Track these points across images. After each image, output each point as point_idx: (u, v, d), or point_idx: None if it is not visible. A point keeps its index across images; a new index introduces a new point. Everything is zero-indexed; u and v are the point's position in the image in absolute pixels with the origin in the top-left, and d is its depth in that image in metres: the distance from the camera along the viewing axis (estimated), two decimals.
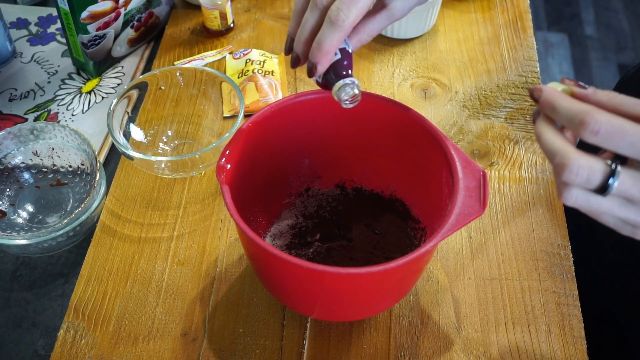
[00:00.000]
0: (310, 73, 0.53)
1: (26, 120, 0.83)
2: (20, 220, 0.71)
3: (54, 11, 0.98)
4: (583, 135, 0.39)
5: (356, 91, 0.53)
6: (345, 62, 0.53)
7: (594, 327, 0.64)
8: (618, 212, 0.40)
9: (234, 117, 0.75)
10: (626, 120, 0.38)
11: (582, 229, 0.75)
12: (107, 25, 0.84)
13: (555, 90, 0.42)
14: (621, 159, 0.40)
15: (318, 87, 0.57)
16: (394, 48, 0.90)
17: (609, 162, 0.39)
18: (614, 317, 0.75)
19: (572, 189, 0.40)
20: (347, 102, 0.53)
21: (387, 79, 0.86)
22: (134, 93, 0.76)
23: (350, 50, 0.54)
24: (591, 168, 0.39)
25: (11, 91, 0.87)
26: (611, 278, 0.75)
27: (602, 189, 0.39)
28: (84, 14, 0.80)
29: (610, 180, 0.39)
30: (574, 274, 0.65)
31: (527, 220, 0.70)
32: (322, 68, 0.52)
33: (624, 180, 0.39)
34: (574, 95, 0.42)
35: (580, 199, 0.40)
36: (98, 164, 0.69)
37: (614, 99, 0.40)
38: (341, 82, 0.53)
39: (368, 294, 0.55)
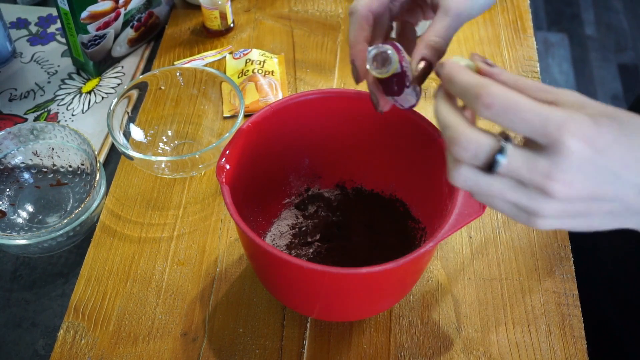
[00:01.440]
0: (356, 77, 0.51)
1: (26, 120, 0.83)
2: (20, 220, 0.71)
3: (54, 11, 0.98)
4: (477, 109, 0.37)
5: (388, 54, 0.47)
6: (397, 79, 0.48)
7: (592, 332, 0.64)
8: (509, 196, 0.38)
9: (234, 117, 0.75)
10: (522, 96, 0.37)
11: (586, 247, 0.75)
12: (107, 25, 0.84)
13: (457, 64, 0.40)
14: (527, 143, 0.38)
15: (317, 88, 0.57)
16: None
17: (500, 138, 0.37)
18: (612, 324, 0.75)
19: (461, 168, 0.39)
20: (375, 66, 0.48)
21: None
22: (134, 93, 0.76)
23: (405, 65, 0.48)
24: (479, 142, 0.37)
25: (11, 91, 0.87)
26: (610, 288, 0.75)
27: (490, 166, 0.37)
28: (84, 14, 0.80)
29: (498, 156, 0.37)
30: (574, 274, 0.65)
31: None
32: (357, 63, 0.50)
33: (513, 157, 0.37)
34: (479, 72, 0.40)
35: (470, 179, 0.39)
36: (98, 164, 0.69)
37: (519, 81, 0.38)
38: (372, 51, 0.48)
39: (368, 294, 0.55)
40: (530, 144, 0.37)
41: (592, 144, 0.36)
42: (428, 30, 0.48)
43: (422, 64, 0.46)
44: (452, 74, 0.39)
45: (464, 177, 0.39)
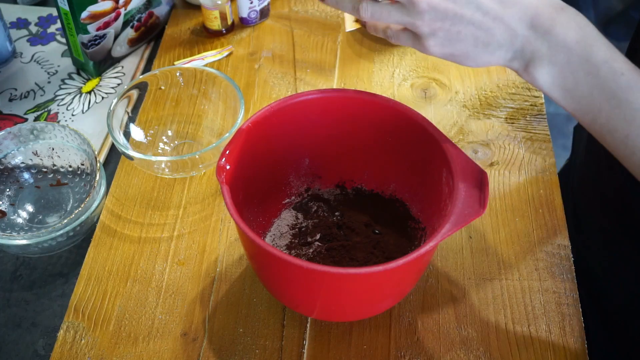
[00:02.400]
0: None
1: (26, 120, 0.83)
2: (20, 220, 0.71)
3: (54, 11, 0.98)
4: None
5: None
6: None
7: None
8: (394, 15, 0.51)
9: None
10: None
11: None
12: (107, 25, 0.84)
13: None
14: None
15: (317, 88, 0.57)
16: (394, 48, 0.90)
17: None
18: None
19: (361, 4, 0.52)
20: None
21: (387, 79, 0.86)
22: (134, 93, 0.76)
23: None
24: None
25: (11, 91, 0.87)
26: (610, 297, 0.75)
27: None
28: (84, 14, 0.80)
29: None
30: (574, 274, 0.65)
31: (527, 220, 0.70)
32: None
33: None
34: None
35: (369, 10, 0.51)
36: (98, 164, 0.69)
37: None
38: None
39: (368, 294, 0.55)
40: None
41: None
42: None
43: None
44: None
45: (364, 9, 0.52)
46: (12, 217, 0.71)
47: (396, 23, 0.52)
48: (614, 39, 0.49)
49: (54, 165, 0.74)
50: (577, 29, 0.48)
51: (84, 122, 0.82)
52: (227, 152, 0.55)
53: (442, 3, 0.49)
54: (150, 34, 0.93)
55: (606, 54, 0.48)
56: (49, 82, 0.88)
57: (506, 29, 0.49)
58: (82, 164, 0.73)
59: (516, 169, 0.74)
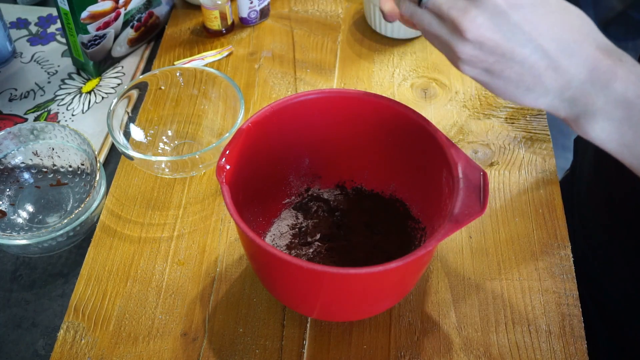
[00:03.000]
0: None
1: (26, 120, 0.83)
2: (20, 220, 0.71)
3: (54, 11, 0.98)
4: None
5: None
6: None
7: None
8: (434, 28, 0.45)
9: None
10: None
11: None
12: (107, 25, 0.84)
13: None
14: None
15: (317, 88, 0.57)
16: (394, 48, 0.90)
17: None
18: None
19: (403, 1, 0.48)
20: None
21: (387, 79, 0.86)
22: (134, 93, 0.76)
23: None
24: None
25: (11, 91, 0.87)
26: (609, 298, 0.75)
27: (419, 2, 0.46)
28: (84, 14, 0.80)
29: None
30: (574, 274, 0.65)
31: (527, 220, 0.70)
32: None
33: None
34: None
35: (408, 9, 0.47)
36: (98, 164, 0.69)
37: None
38: None
39: (368, 294, 0.55)
40: None
41: None
42: None
43: None
44: None
45: (405, 6, 0.48)
46: (12, 217, 0.71)
47: (433, 35, 0.46)
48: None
49: (54, 165, 0.74)
50: (638, 82, 0.44)
51: (84, 122, 0.82)
52: (227, 152, 0.55)
53: (493, 38, 0.43)
54: (150, 34, 0.93)
55: None
56: (49, 82, 0.88)
57: (559, 77, 0.44)
58: (82, 164, 0.73)
59: (516, 169, 0.74)
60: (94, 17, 0.82)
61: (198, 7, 0.95)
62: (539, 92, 0.45)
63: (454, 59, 0.46)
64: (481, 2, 0.42)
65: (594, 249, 0.75)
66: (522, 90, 0.45)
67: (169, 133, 0.79)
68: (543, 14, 0.42)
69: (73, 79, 0.88)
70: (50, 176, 0.74)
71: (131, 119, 0.76)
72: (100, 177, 0.68)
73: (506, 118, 0.80)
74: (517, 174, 0.74)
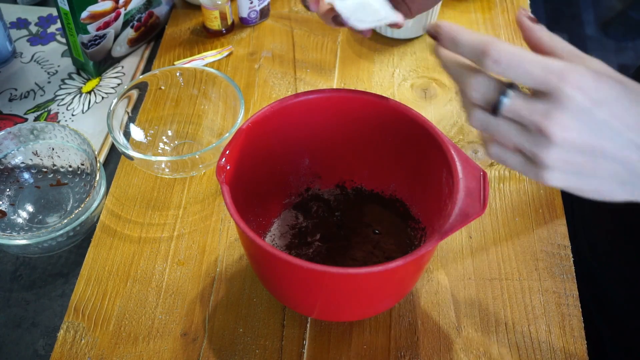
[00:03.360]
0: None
1: (26, 120, 0.83)
2: (20, 220, 0.71)
3: (54, 11, 0.98)
4: (486, 65, 0.40)
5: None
6: None
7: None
8: (514, 138, 0.41)
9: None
10: (527, 50, 0.40)
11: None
12: (107, 25, 0.84)
13: (453, 24, 0.43)
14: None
15: (317, 88, 0.57)
16: (394, 48, 0.90)
17: (507, 83, 0.41)
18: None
19: (474, 110, 0.43)
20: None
21: (387, 79, 0.86)
22: (134, 93, 0.76)
23: None
24: (487, 85, 0.41)
25: (11, 91, 0.87)
26: (609, 300, 0.75)
27: (496, 107, 0.41)
28: (84, 14, 0.80)
29: (502, 97, 0.40)
30: (574, 274, 0.65)
31: (527, 220, 0.70)
32: None
33: (516, 99, 0.40)
34: (520, 25, 0.44)
35: (481, 119, 0.42)
36: (98, 164, 0.69)
37: (554, 40, 0.42)
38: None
39: (368, 294, 0.55)
40: (536, 94, 0.40)
41: (591, 95, 0.38)
42: None
43: None
44: (454, 36, 0.42)
45: (476, 117, 0.43)
46: (12, 217, 0.71)
47: (512, 144, 0.42)
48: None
49: (54, 165, 0.74)
50: None
51: (84, 122, 0.82)
52: (227, 152, 0.55)
53: (581, 138, 0.39)
54: (150, 34, 0.93)
55: None
56: (49, 82, 0.88)
57: None
58: (82, 164, 0.73)
59: None
60: (94, 17, 0.82)
61: (198, 7, 0.95)
62: (634, 184, 0.41)
63: (538, 170, 0.42)
64: (563, 103, 0.39)
65: (594, 249, 0.75)
66: (616, 185, 0.42)
67: (169, 133, 0.79)
68: (628, 107, 0.40)
69: (73, 79, 0.88)
70: (50, 176, 0.74)
71: (131, 119, 0.76)
72: (100, 177, 0.68)
73: None
74: (517, 173, 0.74)
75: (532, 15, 0.44)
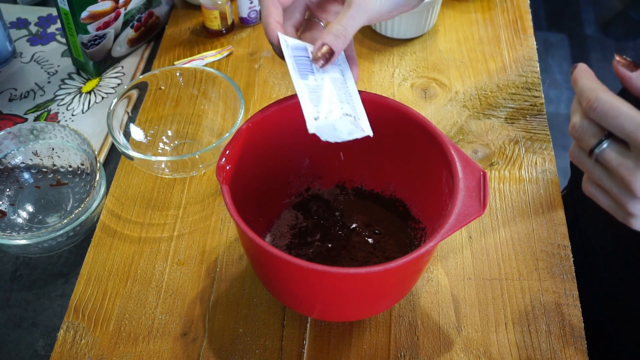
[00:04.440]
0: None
1: (26, 120, 0.83)
2: (20, 220, 0.71)
3: (54, 11, 0.98)
4: (585, 109, 0.44)
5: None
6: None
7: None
8: (604, 183, 0.45)
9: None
10: (625, 103, 0.42)
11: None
12: (107, 25, 0.84)
13: (586, 69, 0.46)
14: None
15: None
16: (394, 48, 0.90)
17: (604, 134, 0.44)
18: (606, 329, 0.75)
19: (574, 147, 0.47)
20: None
21: (387, 79, 0.86)
22: (134, 93, 0.76)
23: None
24: (586, 128, 0.44)
25: (11, 91, 0.87)
26: (604, 293, 0.75)
27: (590, 152, 0.45)
28: (84, 14, 0.80)
29: (596, 149, 0.44)
30: (574, 274, 0.65)
31: (527, 220, 0.70)
32: (275, 42, 0.56)
33: (608, 149, 0.43)
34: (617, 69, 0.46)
35: (577, 156, 0.47)
36: (98, 164, 0.69)
37: None
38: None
39: (368, 294, 0.55)
40: (630, 147, 0.43)
41: None
42: (333, 20, 0.53)
43: (323, 48, 0.53)
44: (577, 77, 0.46)
45: (575, 154, 0.47)
46: (12, 217, 0.71)
47: (602, 190, 0.46)
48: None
49: (54, 165, 0.74)
50: None
51: (84, 122, 0.82)
52: (227, 152, 0.55)
53: None
54: (150, 34, 0.93)
55: None
56: (49, 82, 0.88)
57: None
58: (82, 164, 0.73)
59: (516, 169, 0.74)
60: (94, 17, 0.82)
61: (198, 7, 0.95)
62: None
63: (625, 215, 0.46)
64: None
65: (595, 248, 0.75)
66: None
67: (169, 133, 0.79)
68: None
69: (73, 79, 0.88)
70: (50, 176, 0.74)
71: (131, 119, 0.76)
72: (100, 177, 0.68)
73: (506, 118, 0.80)
74: (517, 174, 0.74)
75: (627, 59, 0.46)
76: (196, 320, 0.63)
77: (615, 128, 0.42)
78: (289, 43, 0.54)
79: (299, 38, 0.58)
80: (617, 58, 0.45)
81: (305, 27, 0.59)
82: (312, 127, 0.50)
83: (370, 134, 0.53)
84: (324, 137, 0.51)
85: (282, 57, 0.55)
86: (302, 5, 0.57)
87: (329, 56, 0.53)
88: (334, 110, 0.51)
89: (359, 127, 0.52)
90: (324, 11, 0.59)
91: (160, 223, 0.71)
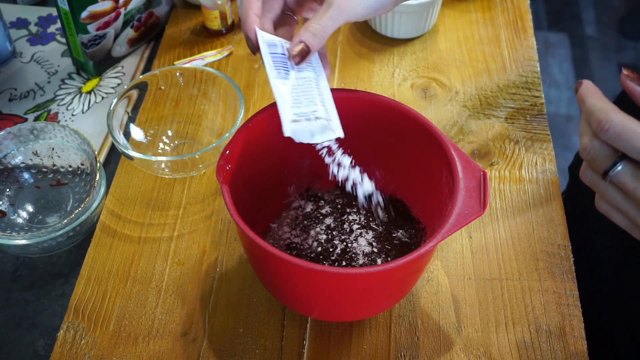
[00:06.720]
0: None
1: (26, 120, 0.83)
2: (20, 220, 0.71)
3: (54, 11, 0.98)
4: (596, 130, 0.42)
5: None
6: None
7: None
8: (620, 204, 0.44)
9: None
10: (637, 123, 0.41)
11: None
12: (107, 25, 0.84)
13: (592, 87, 0.45)
14: None
15: None
16: (394, 48, 0.90)
17: (618, 155, 0.43)
18: (611, 336, 0.75)
19: (586, 168, 0.46)
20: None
21: (387, 79, 0.86)
22: (134, 93, 0.76)
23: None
24: (598, 150, 0.43)
25: (11, 91, 0.87)
26: (604, 293, 0.75)
27: (604, 175, 0.44)
28: (84, 14, 0.80)
29: (610, 172, 0.43)
30: (575, 274, 0.65)
31: (527, 220, 0.70)
32: (251, 36, 0.54)
33: (623, 171, 0.43)
34: (625, 86, 0.45)
35: (591, 178, 0.45)
36: (98, 164, 0.69)
37: None
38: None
39: (368, 294, 0.55)
40: None
41: None
42: (311, 18, 0.53)
43: (300, 46, 0.52)
44: (583, 96, 0.45)
45: (587, 175, 0.46)
46: (12, 217, 0.71)
47: (618, 210, 0.45)
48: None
49: (54, 165, 0.74)
50: None
51: (84, 122, 0.82)
52: (227, 152, 0.55)
53: None
54: (150, 34, 0.93)
55: None
56: (49, 82, 0.88)
57: None
58: (82, 164, 0.73)
59: (516, 169, 0.74)
60: (94, 17, 0.82)
61: (198, 7, 0.95)
62: None
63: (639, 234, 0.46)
64: None
65: (595, 248, 0.75)
66: None
67: (169, 133, 0.79)
68: None
69: (73, 79, 0.88)
70: (50, 176, 0.74)
71: (131, 119, 0.76)
72: (100, 177, 0.68)
73: (506, 118, 0.80)
74: (517, 174, 0.74)
75: (636, 73, 0.45)
76: (196, 320, 0.63)
77: (630, 150, 0.41)
78: (265, 39, 0.54)
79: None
80: (625, 72, 0.45)
81: (279, 21, 0.59)
82: (287, 130, 0.50)
83: (342, 135, 0.53)
84: (298, 138, 0.51)
85: (254, 51, 0.55)
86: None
87: (305, 54, 0.53)
88: (309, 113, 0.52)
89: (331, 128, 0.52)
90: (301, 7, 0.58)
91: (160, 223, 0.71)
